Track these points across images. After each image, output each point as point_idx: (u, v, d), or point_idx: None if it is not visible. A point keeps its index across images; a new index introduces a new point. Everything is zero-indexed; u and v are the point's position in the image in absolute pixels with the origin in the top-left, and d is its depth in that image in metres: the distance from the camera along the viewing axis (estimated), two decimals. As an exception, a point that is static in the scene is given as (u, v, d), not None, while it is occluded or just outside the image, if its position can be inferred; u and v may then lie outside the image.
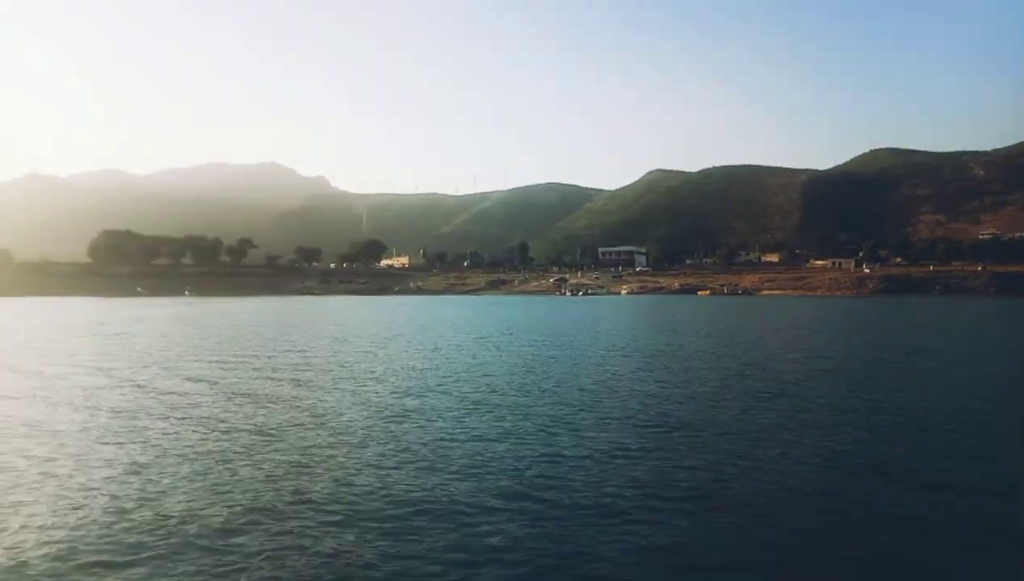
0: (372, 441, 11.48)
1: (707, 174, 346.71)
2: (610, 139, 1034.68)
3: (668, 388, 17.25)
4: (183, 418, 13.47)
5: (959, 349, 29.35)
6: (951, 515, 8.06)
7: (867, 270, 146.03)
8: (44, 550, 6.92)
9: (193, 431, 12.24)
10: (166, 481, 9.23)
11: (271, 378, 19.25)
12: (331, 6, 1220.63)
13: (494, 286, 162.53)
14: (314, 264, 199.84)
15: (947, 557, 7.08)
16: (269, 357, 24.59)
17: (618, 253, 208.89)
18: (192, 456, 10.53)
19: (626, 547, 7.18)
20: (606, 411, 14.11)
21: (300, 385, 17.90)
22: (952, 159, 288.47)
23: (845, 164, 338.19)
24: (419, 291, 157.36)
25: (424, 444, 11.25)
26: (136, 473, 9.61)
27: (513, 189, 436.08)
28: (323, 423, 13.00)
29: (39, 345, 29.43)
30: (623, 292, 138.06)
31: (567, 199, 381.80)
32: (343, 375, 19.86)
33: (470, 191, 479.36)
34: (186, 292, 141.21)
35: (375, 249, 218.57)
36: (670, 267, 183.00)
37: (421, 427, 12.55)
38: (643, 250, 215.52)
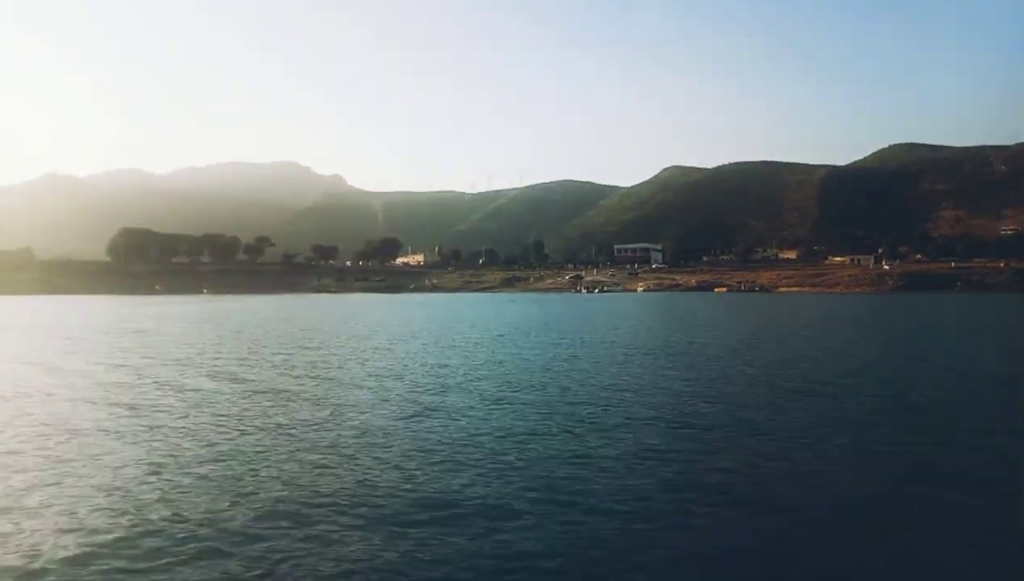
0: (395, 440, 11.25)
1: (723, 170, 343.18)
2: (625, 136, 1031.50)
3: (695, 387, 16.89)
4: (203, 416, 13.31)
5: (986, 347, 28.70)
6: (989, 517, 7.70)
7: (886, 267, 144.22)
8: (61, 553, 6.72)
9: (214, 430, 12.07)
10: (187, 481, 9.03)
11: (291, 375, 19.12)
12: (347, 6, 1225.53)
13: (509, 284, 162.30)
14: (330, 262, 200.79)
15: (989, 562, 6.73)
16: (289, 355, 24.49)
17: (634, 250, 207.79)
18: (213, 456, 10.34)
19: (661, 552, 6.88)
20: (632, 410, 13.78)
21: (320, 383, 17.75)
22: (973, 154, 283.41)
23: (864, 159, 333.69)
24: (434, 289, 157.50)
25: (447, 444, 11.00)
26: (156, 473, 9.42)
27: (528, 186, 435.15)
28: (345, 422, 12.79)
29: (61, 343, 29.57)
30: (639, 289, 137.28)
31: (582, 196, 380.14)
32: (363, 373, 19.68)
33: (485, 188, 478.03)
34: (204, 290, 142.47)
35: (391, 247, 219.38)
36: (686, 264, 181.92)
37: (444, 426, 12.30)
38: (659, 247, 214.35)
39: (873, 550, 6.96)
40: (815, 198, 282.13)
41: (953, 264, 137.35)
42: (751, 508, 8.12)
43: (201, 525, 7.43)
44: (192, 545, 6.92)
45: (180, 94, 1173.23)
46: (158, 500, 8.25)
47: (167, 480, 9.09)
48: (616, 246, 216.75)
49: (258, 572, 6.36)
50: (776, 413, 13.53)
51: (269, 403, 14.78)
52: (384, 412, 13.68)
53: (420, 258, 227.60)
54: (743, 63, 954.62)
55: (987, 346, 28.98)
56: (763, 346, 27.55)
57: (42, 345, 28.72)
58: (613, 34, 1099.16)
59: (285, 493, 8.52)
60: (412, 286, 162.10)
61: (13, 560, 6.56)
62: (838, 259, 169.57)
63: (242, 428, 12.20)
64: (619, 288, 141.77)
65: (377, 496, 8.41)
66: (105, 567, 6.46)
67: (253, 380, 18.24)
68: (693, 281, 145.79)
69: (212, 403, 14.81)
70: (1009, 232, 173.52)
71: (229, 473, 9.43)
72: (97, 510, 7.90)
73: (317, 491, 8.60)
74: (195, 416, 13.33)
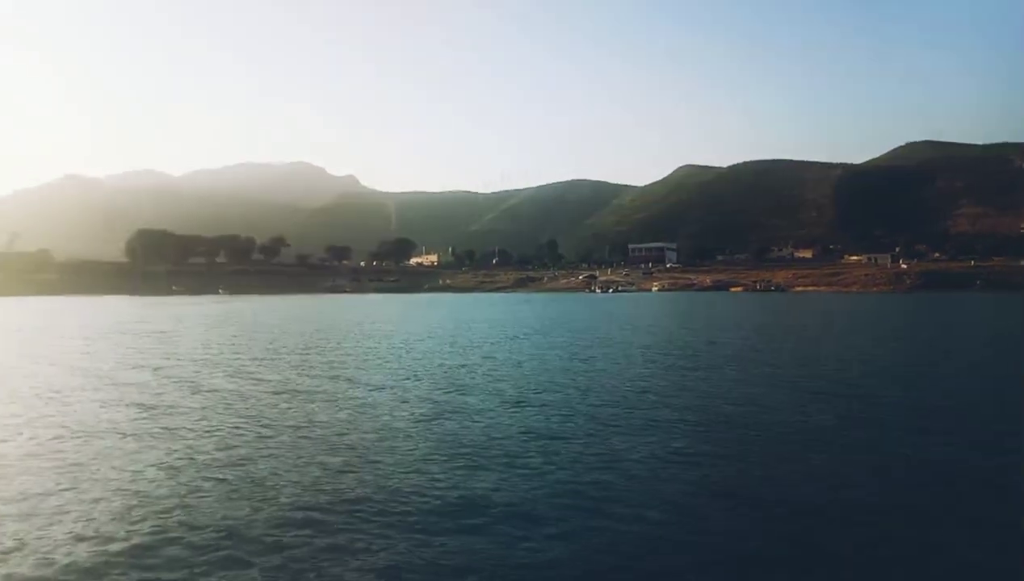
0: (416, 443, 11.01)
1: (738, 169, 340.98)
2: (639, 135, 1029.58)
3: (717, 388, 16.54)
4: (222, 418, 13.13)
5: (1011, 347, 28.06)
6: (1014, 522, 7.39)
7: (904, 266, 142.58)
8: (77, 562, 6.52)
9: (232, 432, 11.89)
10: (206, 485, 8.82)
11: (309, 376, 18.94)
12: (360, 6, 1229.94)
13: (523, 284, 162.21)
14: (344, 262, 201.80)
15: (1012, 566, 6.41)
16: (306, 355, 24.37)
17: (648, 250, 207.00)
18: (232, 459, 10.14)
19: (688, 556, 6.66)
20: (655, 412, 13.48)
21: (339, 383, 17.55)
22: (993, 151, 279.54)
23: (880, 157, 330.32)
24: (448, 289, 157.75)
25: (469, 445, 10.75)
26: (174, 477, 9.22)
27: (542, 186, 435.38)
28: (365, 422, 12.57)
29: (79, 343, 29.65)
30: (654, 289, 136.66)
31: (596, 196, 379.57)
32: (381, 373, 19.48)
33: (498, 188, 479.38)
34: (220, 291, 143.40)
35: (405, 247, 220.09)
36: (701, 263, 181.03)
37: (465, 428, 12.05)
38: (673, 246, 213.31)
39: (898, 556, 6.65)
40: (831, 196, 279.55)
41: (972, 263, 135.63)
42: (777, 512, 7.86)
43: (220, 532, 7.21)
44: (211, 554, 6.69)
45: (196, 96, 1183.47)
46: (176, 505, 8.04)
47: (185, 484, 8.89)
48: (630, 245, 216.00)
49: (282, 578, 6.16)
50: (800, 415, 13.17)
51: (288, 404, 14.60)
52: (404, 414, 13.45)
53: (434, 258, 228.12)
54: (758, 62, 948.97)
55: (1011, 346, 28.33)
56: (783, 346, 27.11)
57: (60, 345, 28.79)
58: (627, 34, 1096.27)
59: (307, 498, 8.30)
60: (426, 286, 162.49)
61: (27, 569, 6.36)
62: (854, 258, 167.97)
63: (261, 430, 12.01)
64: (633, 288, 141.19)
65: (401, 501, 8.17)
66: (122, 577, 6.25)
67: (271, 381, 18.09)
68: (708, 280, 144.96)
69: (231, 405, 14.65)
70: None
71: (248, 477, 9.22)
72: (114, 516, 7.71)
73: (339, 496, 8.36)
74: (214, 418, 13.16)
